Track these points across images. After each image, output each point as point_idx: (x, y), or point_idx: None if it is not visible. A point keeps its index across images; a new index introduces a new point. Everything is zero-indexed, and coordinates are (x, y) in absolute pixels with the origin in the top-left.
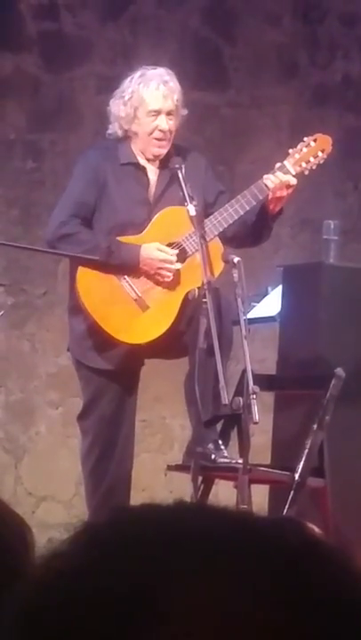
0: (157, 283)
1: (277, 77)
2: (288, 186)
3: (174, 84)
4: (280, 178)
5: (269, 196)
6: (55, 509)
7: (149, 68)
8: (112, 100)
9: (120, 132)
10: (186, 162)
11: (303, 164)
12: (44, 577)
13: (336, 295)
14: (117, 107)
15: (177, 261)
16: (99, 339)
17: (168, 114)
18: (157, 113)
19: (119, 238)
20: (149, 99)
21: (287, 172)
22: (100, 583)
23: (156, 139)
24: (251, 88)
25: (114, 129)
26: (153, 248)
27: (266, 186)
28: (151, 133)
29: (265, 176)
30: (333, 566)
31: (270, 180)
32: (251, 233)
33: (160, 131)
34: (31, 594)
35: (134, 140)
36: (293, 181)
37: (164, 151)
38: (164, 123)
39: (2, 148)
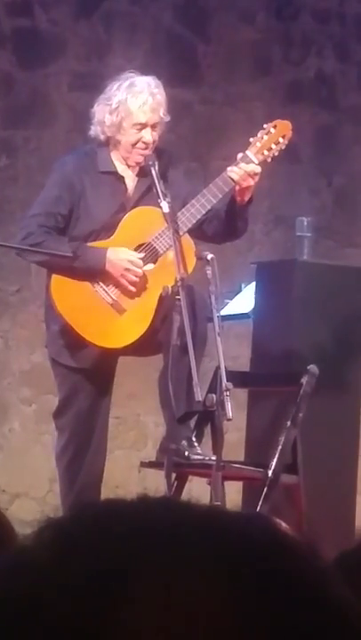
0: (122, 287)
1: (251, 74)
2: (253, 175)
3: (162, 95)
4: (244, 168)
5: (236, 188)
6: (29, 506)
7: (137, 75)
8: (97, 104)
9: (102, 137)
10: (167, 165)
11: (265, 152)
12: (7, 572)
13: (309, 292)
14: (102, 113)
15: (149, 262)
16: (72, 338)
17: (153, 126)
18: (143, 126)
19: (88, 244)
20: (136, 112)
21: (250, 162)
22: (64, 578)
23: (140, 149)
24: (224, 85)
25: (96, 132)
26: (119, 251)
27: (231, 178)
28: (135, 144)
29: (228, 168)
30: (301, 562)
31: (234, 172)
32: (227, 227)
33: (144, 142)
34: None
35: (116, 147)
36: (258, 170)
37: (145, 159)
38: (149, 135)
39: None
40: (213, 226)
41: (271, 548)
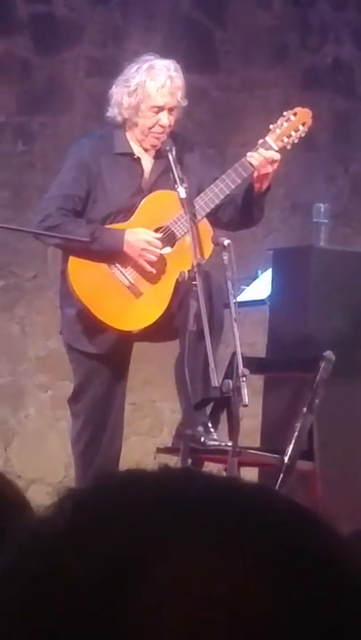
0: (141, 268)
1: (268, 60)
2: (272, 161)
3: (180, 79)
4: (263, 155)
5: (255, 174)
6: (45, 492)
7: (157, 58)
8: (115, 85)
9: (119, 119)
10: (182, 150)
11: (285, 139)
12: (27, 543)
13: (326, 278)
14: (120, 95)
15: (166, 245)
16: (89, 323)
17: (170, 109)
18: (160, 109)
19: (106, 226)
20: (154, 94)
21: (270, 148)
22: (85, 548)
23: (156, 132)
24: (241, 71)
25: (113, 113)
26: (137, 232)
27: (250, 164)
28: (152, 127)
29: (248, 154)
30: (327, 534)
31: (254, 157)
32: (243, 214)
33: (160, 126)
34: (15, 561)
35: (132, 129)
36: (277, 156)
37: (160, 143)
38: (166, 118)
39: None
40: (228, 213)
41: (295, 519)
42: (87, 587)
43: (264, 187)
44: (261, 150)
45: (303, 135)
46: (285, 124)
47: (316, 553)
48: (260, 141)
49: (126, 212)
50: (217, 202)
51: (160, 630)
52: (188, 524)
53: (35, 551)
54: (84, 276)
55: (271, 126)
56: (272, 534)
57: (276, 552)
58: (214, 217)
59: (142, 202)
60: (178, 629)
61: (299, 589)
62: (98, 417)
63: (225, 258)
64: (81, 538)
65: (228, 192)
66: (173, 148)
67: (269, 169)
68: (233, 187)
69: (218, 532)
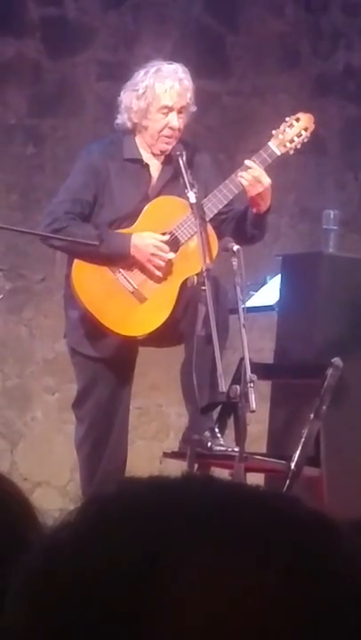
0: (149, 272)
1: (279, 66)
2: (260, 181)
3: (188, 81)
4: (252, 174)
5: (248, 196)
6: (50, 495)
7: (164, 62)
8: (123, 91)
9: (129, 124)
10: (192, 156)
11: (288, 145)
12: (51, 547)
13: (335, 285)
14: (130, 99)
15: (170, 250)
16: (93, 327)
17: (179, 111)
18: (170, 110)
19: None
20: (163, 95)
21: (272, 154)
22: (107, 553)
23: (166, 136)
24: (252, 77)
25: (123, 120)
26: (145, 236)
27: (240, 183)
28: (161, 130)
29: (239, 173)
30: (347, 542)
31: (243, 177)
32: (243, 234)
33: (170, 128)
34: (39, 564)
35: (142, 133)
36: (262, 174)
37: (170, 147)
38: (175, 120)
39: (2, 133)
40: (231, 227)
41: (315, 526)
42: (110, 590)
43: (263, 209)
44: (250, 170)
45: (306, 140)
46: (288, 130)
47: (335, 560)
48: (262, 152)
49: (132, 218)
50: (220, 207)
51: (179, 633)
52: (210, 530)
53: (58, 556)
54: (88, 281)
55: (274, 132)
56: (291, 540)
57: (294, 557)
58: (218, 230)
59: (146, 207)
60: (197, 631)
61: (315, 594)
62: (102, 421)
63: (234, 263)
64: (102, 543)
65: (231, 197)
66: (184, 153)
67: (259, 188)
68: (236, 192)
69: (240, 539)
